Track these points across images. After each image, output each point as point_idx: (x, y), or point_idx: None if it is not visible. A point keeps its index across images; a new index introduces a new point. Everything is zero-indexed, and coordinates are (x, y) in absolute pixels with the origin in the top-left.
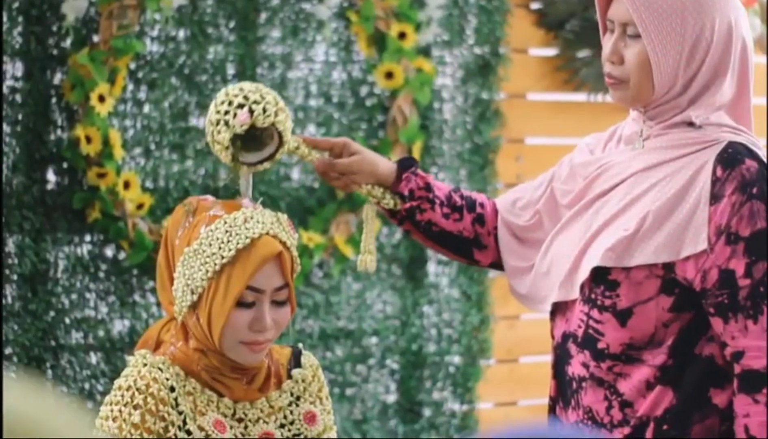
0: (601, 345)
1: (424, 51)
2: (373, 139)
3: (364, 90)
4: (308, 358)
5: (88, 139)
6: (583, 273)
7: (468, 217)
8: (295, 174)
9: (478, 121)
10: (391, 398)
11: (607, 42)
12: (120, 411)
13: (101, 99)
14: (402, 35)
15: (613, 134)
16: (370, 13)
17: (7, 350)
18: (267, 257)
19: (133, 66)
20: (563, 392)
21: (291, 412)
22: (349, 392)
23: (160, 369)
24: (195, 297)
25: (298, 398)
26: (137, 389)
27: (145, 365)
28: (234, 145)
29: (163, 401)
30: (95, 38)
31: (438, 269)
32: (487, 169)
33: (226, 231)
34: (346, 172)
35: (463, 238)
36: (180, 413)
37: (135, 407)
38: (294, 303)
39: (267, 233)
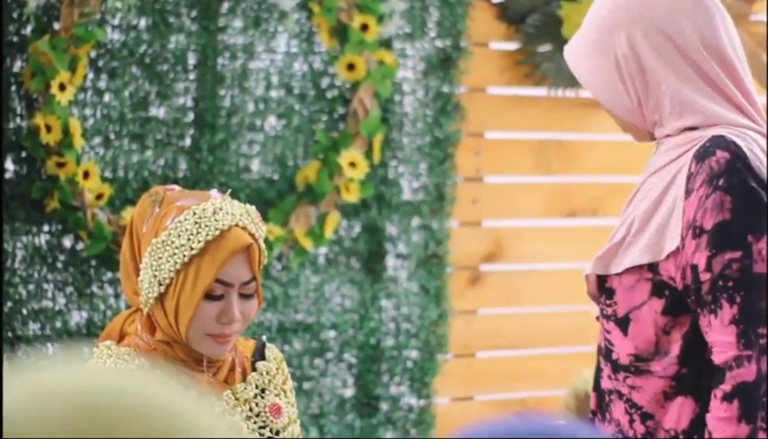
0: (614, 356)
1: (386, 43)
2: (333, 132)
3: (325, 82)
4: (272, 350)
5: (48, 128)
6: (591, 285)
7: None
8: (255, 165)
9: (439, 115)
10: (349, 392)
11: None
12: None
13: (62, 87)
14: (364, 27)
15: None
16: (333, 4)
17: None
18: (236, 249)
19: (93, 54)
20: (600, 406)
21: (256, 404)
22: (306, 385)
23: (125, 360)
24: (162, 288)
25: (263, 391)
26: None
27: (110, 356)
28: None
29: None
30: (56, 26)
31: (397, 262)
32: (446, 163)
33: (196, 222)
34: None
35: None
36: None
37: None
38: (261, 296)
39: (237, 225)
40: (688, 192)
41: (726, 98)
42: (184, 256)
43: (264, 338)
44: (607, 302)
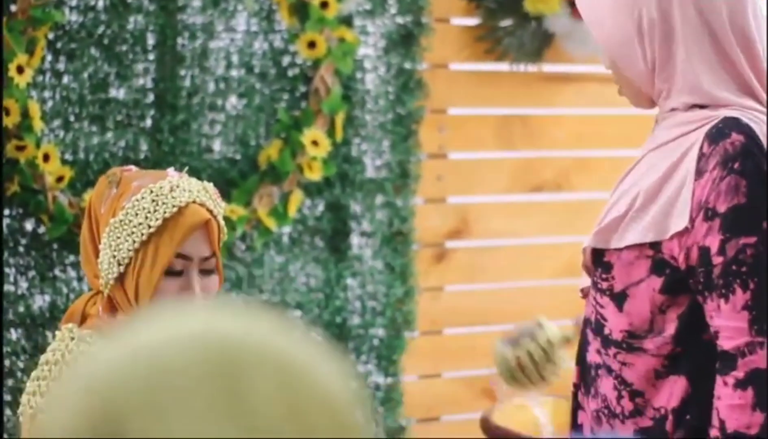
0: (606, 331)
1: (347, 21)
2: (295, 110)
3: (286, 60)
4: None
5: (7, 112)
6: (588, 257)
7: None
8: (217, 146)
9: (401, 92)
10: None
11: None
12: (48, 386)
13: (20, 70)
14: (324, 5)
15: None
16: None
17: None
18: (195, 225)
19: (52, 36)
20: (585, 379)
21: None
22: None
23: (87, 343)
24: (122, 268)
25: None
26: (65, 364)
27: (72, 338)
28: None
29: None
30: (13, 8)
31: (361, 241)
32: (410, 140)
33: (153, 200)
34: None
35: None
36: None
37: None
38: (221, 273)
39: (194, 202)
40: (699, 172)
41: (741, 81)
42: (142, 234)
43: None
44: (603, 276)
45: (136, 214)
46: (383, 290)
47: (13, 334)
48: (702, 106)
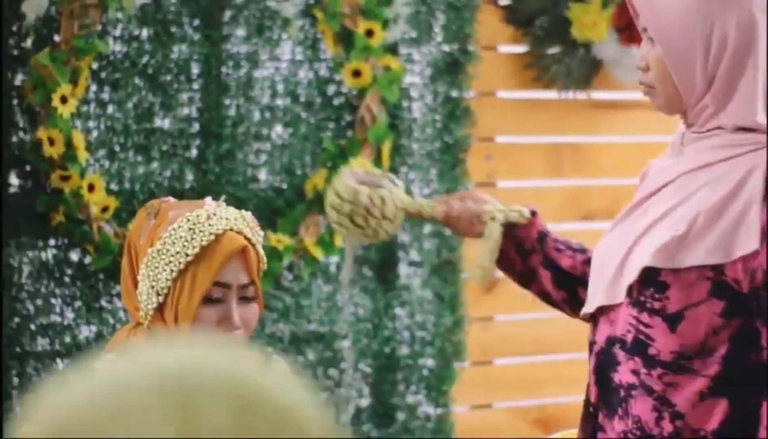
0: (651, 351)
1: (392, 49)
2: (341, 139)
3: (331, 89)
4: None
5: (51, 142)
6: (631, 274)
7: (579, 257)
8: (263, 175)
9: (448, 120)
10: (364, 402)
11: (641, 50)
12: None
13: (63, 100)
14: (369, 33)
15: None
16: (337, 10)
17: None
18: (231, 252)
19: (95, 66)
20: (608, 400)
21: None
22: (321, 396)
23: None
24: (161, 299)
25: None
26: None
27: None
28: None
29: None
30: (57, 38)
31: (410, 270)
32: (457, 168)
33: (189, 229)
34: (468, 211)
35: (572, 275)
36: None
37: None
38: (262, 302)
39: (231, 229)
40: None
41: None
42: (180, 263)
43: (270, 349)
44: (656, 296)
45: (174, 243)
46: (432, 319)
47: (60, 364)
48: (747, 130)
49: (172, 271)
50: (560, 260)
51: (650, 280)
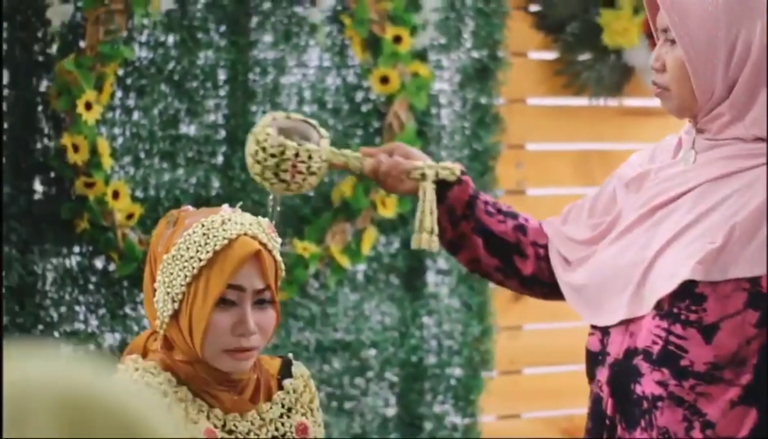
0: (684, 363)
1: (421, 55)
2: (369, 146)
3: (359, 95)
4: (299, 368)
5: (76, 148)
6: (665, 287)
7: (510, 222)
8: None
9: (477, 127)
10: (391, 411)
11: (655, 50)
12: None
13: (88, 106)
14: (397, 39)
15: (657, 149)
16: (364, 16)
17: None
18: (244, 256)
19: (121, 72)
20: (628, 412)
21: (282, 424)
22: (347, 405)
23: (152, 374)
24: (176, 305)
25: (289, 410)
26: None
27: (137, 369)
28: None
29: None
30: (82, 44)
31: (437, 278)
32: (487, 176)
33: (204, 234)
34: (397, 165)
35: (505, 241)
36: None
37: None
38: (278, 309)
39: (245, 234)
40: None
41: None
42: (193, 268)
43: (290, 355)
44: (693, 307)
45: (188, 249)
46: (460, 328)
47: None
48: (763, 140)
49: (186, 276)
50: (492, 225)
51: (686, 292)
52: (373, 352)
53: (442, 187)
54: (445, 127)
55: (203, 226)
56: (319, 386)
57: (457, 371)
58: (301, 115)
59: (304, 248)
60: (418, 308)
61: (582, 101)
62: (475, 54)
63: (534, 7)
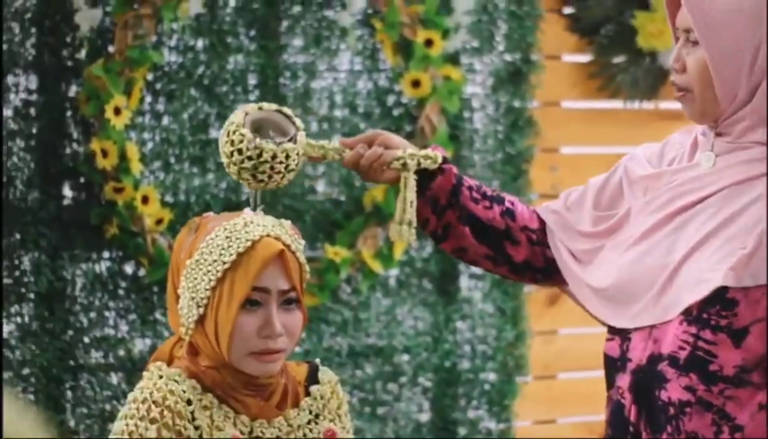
0: (713, 368)
1: (453, 58)
2: None
3: (390, 99)
4: (326, 374)
5: (104, 153)
6: (692, 293)
7: (497, 208)
8: (321, 187)
9: (510, 131)
10: (425, 416)
11: (674, 50)
12: (136, 425)
13: (117, 111)
14: (429, 42)
15: (666, 147)
16: (396, 20)
17: (25, 371)
18: (268, 257)
19: (150, 77)
20: (653, 419)
21: (310, 430)
22: (380, 411)
23: (176, 381)
24: (201, 310)
25: (317, 416)
26: (153, 402)
27: (161, 377)
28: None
29: (180, 414)
30: (111, 49)
31: (471, 283)
32: (520, 180)
33: (226, 237)
34: (377, 156)
35: (494, 228)
36: (197, 427)
37: (151, 421)
38: (305, 310)
39: (268, 235)
40: None
41: None
42: (218, 271)
43: (318, 360)
44: (723, 313)
45: (211, 253)
46: (494, 333)
47: (114, 378)
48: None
49: (210, 280)
50: (478, 212)
51: (717, 298)
52: (406, 357)
53: (425, 177)
54: (478, 130)
55: (226, 229)
56: (351, 391)
57: (491, 376)
58: (275, 105)
59: (335, 252)
60: (451, 312)
61: (617, 104)
62: (508, 57)
63: (568, 10)
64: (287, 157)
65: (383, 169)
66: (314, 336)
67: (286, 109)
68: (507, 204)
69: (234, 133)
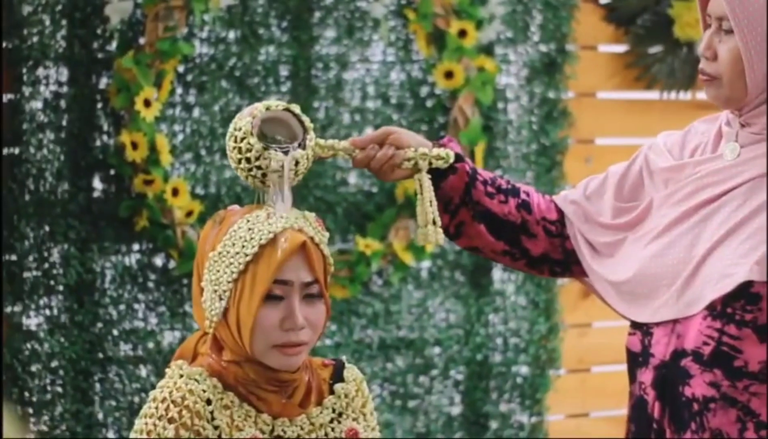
0: (738, 363)
1: (486, 49)
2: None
3: (424, 90)
4: (351, 371)
5: (134, 146)
6: (717, 287)
7: (512, 201)
8: (352, 178)
9: (545, 122)
10: (456, 409)
11: (705, 37)
12: (154, 425)
13: (147, 103)
14: (462, 33)
15: (688, 136)
16: (429, 10)
17: (54, 364)
18: (291, 249)
19: (181, 69)
20: (677, 415)
21: (332, 429)
22: (411, 404)
23: (196, 381)
24: (224, 303)
25: (340, 415)
26: (172, 402)
27: (181, 376)
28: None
29: (199, 414)
30: (141, 41)
31: (504, 275)
32: (554, 171)
33: (249, 229)
34: (387, 157)
35: (509, 222)
36: (216, 427)
37: (170, 421)
38: (328, 303)
39: (291, 227)
40: None
41: None
42: (240, 263)
43: (344, 358)
44: (748, 307)
45: (233, 245)
46: (526, 326)
47: (143, 370)
48: None
49: (232, 272)
50: (494, 208)
51: (742, 292)
52: (437, 350)
53: (437, 175)
54: (512, 121)
55: (248, 221)
56: (382, 384)
57: (524, 369)
58: (283, 103)
59: (367, 244)
60: (483, 305)
61: (653, 95)
62: (543, 47)
63: (604, 0)
64: (296, 164)
65: (394, 169)
66: (345, 329)
67: (295, 108)
68: (522, 196)
69: (242, 140)
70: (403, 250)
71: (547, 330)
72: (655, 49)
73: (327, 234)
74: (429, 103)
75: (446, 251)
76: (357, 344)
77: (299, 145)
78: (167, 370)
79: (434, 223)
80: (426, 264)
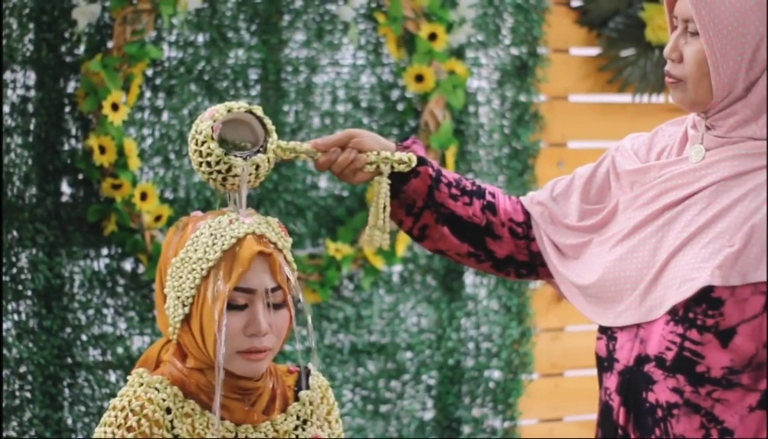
0: (700, 369)
1: (457, 52)
2: None
3: (394, 94)
4: (317, 379)
5: (102, 150)
6: (679, 292)
7: (477, 203)
8: (323, 182)
9: (516, 125)
10: (428, 414)
11: (671, 40)
12: (113, 433)
13: (115, 107)
14: (433, 36)
15: (655, 138)
16: (399, 13)
17: (22, 369)
18: (253, 255)
19: (150, 73)
20: (641, 421)
21: (297, 436)
22: (383, 409)
23: (156, 389)
24: (186, 309)
25: (304, 422)
26: (131, 410)
27: (141, 384)
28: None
29: (158, 423)
30: (109, 45)
31: (476, 280)
32: (526, 175)
33: (211, 234)
34: (349, 161)
35: (474, 224)
36: (175, 436)
37: (128, 429)
38: (292, 309)
39: (253, 233)
40: None
41: None
42: (202, 269)
43: (309, 365)
44: (710, 312)
45: (196, 250)
46: (498, 330)
47: (112, 375)
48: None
49: (195, 278)
50: (458, 210)
51: (703, 297)
52: (409, 354)
53: (399, 179)
54: (483, 125)
55: (210, 227)
56: (354, 389)
57: (496, 374)
58: (245, 105)
59: (337, 249)
60: (455, 309)
61: (625, 98)
62: (514, 51)
63: (576, 3)
64: (257, 167)
65: (356, 172)
66: (316, 333)
67: (257, 109)
68: (488, 198)
69: (202, 144)
70: (374, 254)
71: (520, 334)
72: (627, 53)
73: (290, 239)
74: (400, 107)
75: (417, 255)
76: (328, 348)
77: (261, 147)
78: (129, 377)
79: (381, 229)
80: (397, 268)
